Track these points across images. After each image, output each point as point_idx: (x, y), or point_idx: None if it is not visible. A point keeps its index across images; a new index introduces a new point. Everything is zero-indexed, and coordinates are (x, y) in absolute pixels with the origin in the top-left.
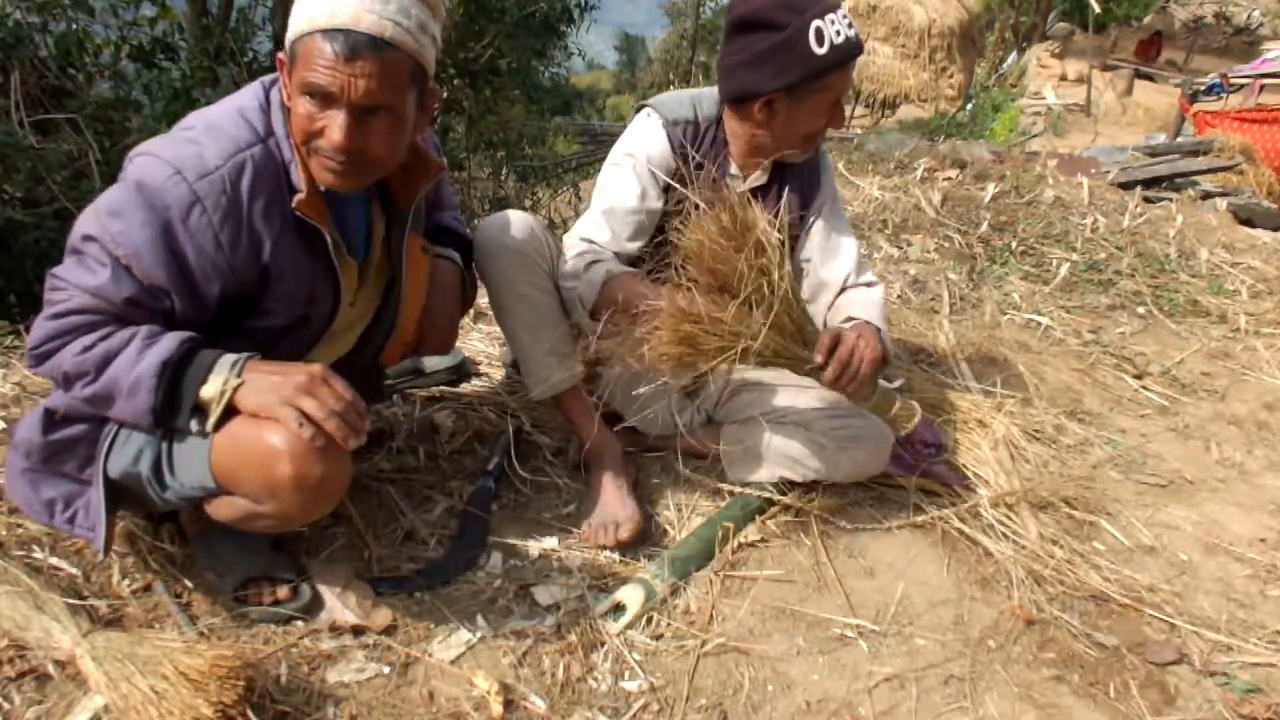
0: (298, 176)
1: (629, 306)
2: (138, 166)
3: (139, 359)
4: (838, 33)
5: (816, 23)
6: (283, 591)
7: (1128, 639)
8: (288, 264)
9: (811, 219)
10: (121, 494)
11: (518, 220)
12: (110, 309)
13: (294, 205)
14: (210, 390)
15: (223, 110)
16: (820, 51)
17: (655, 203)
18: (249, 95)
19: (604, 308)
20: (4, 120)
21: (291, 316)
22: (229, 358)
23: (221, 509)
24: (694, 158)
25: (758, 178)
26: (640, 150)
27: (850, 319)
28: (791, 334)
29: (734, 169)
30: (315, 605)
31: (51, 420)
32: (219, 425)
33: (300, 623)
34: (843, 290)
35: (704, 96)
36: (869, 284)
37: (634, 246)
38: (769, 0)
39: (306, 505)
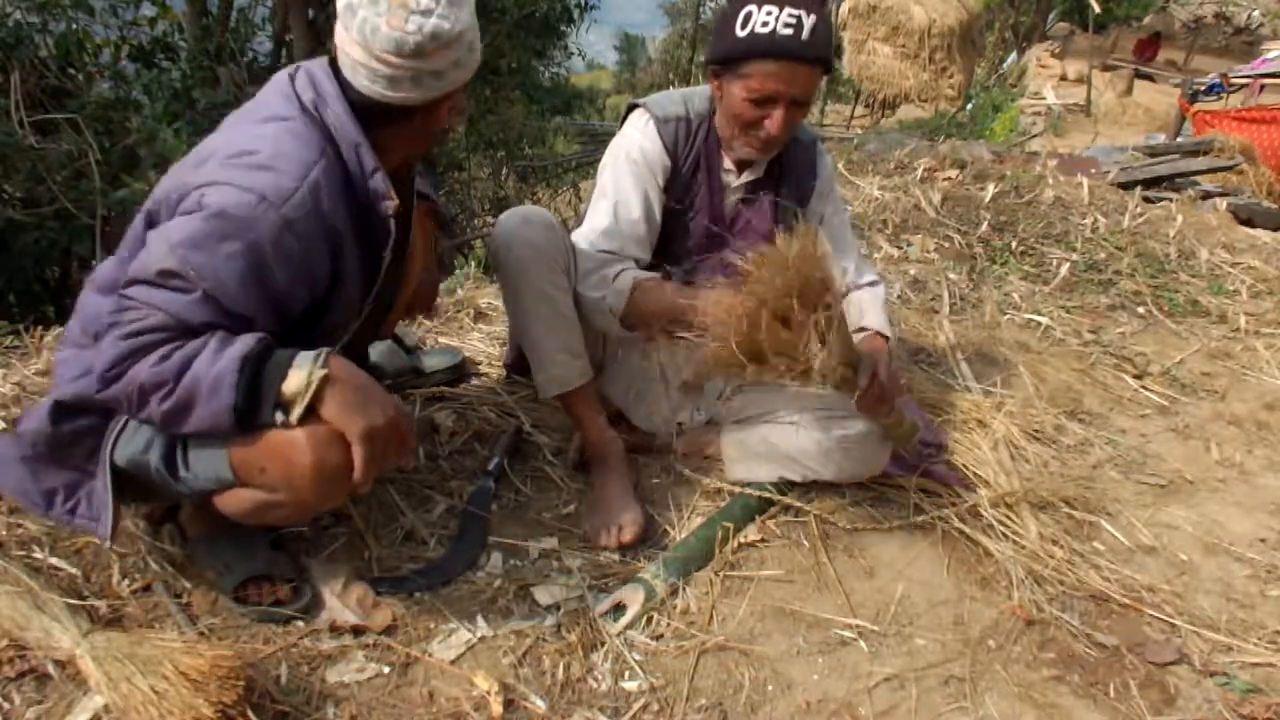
0: (383, 183)
1: (665, 314)
2: (217, 196)
3: (217, 358)
4: (765, 24)
5: (749, 7)
6: (283, 591)
7: (1128, 639)
8: (352, 265)
9: (810, 216)
10: (127, 483)
11: (538, 217)
12: (188, 329)
13: (391, 213)
14: (294, 385)
15: (273, 131)
16: (739, 34)
17: (658, 204)
18: (283, 105)
19: (634, 314)
20: (4, 120)
21: (344, 313)
22: (307, 353)
23: (232, 502)
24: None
25: (750, 174)
26: (637, 151)
27: (861, 329)
28: (845, 359)
29: (727, 164)
30: (315, 605)
31: (61, 411)
32: (304, 419)
33: (300, 623)
34: (845, 292)
35: (695, 94)
36: (871, 283)
37: (646, 253)
38: None
39: (321, 494)
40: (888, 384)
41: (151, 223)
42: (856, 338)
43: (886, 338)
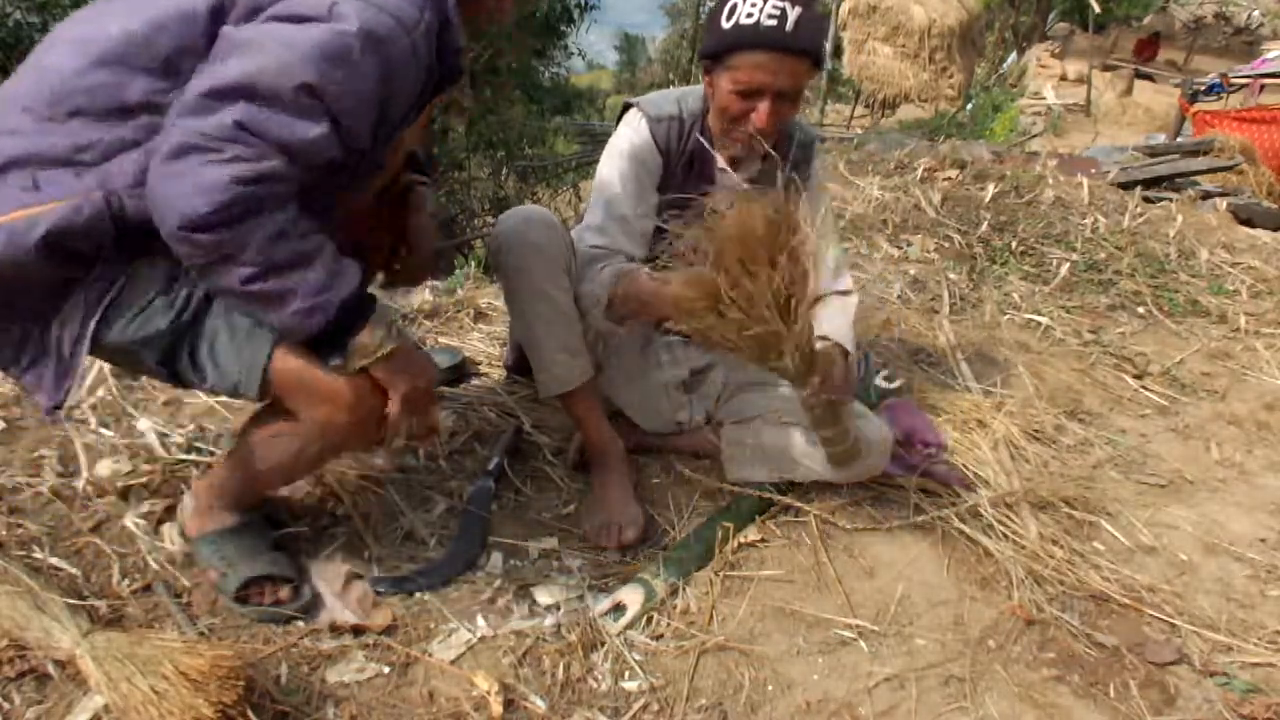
0: (462, 40)
1: (638, 301)
2: (353, 9)
3: (330, 284)
4: (750, 15)
5: None
6: (284, 592)
7: (1128, 639)
8: (414, 111)
9: None
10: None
11: (539, 216)
12: (298, 175)
13: (460, 61)
14: (364, 340)
15: None
16: (725, 26)
17: (651, 201)
18: None
19: (618, 302)
20: None
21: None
22: (383, 311)
23: (268, 449)
24: (680, 153)
25: (743, 172)
26: (630, 149)
27: (823, 338)
28: (806, 336)
29: (721, 163)
30: (315, 605)
31: (53, 245)
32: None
33: (300, 623)
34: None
35: (690, 93)
36: (845, 291)
37: (640, 249)
38: None
39: (349, 441)
40: (840, 384)
41: (219, 17)
42: (817, 345)
43: (847, 352)
